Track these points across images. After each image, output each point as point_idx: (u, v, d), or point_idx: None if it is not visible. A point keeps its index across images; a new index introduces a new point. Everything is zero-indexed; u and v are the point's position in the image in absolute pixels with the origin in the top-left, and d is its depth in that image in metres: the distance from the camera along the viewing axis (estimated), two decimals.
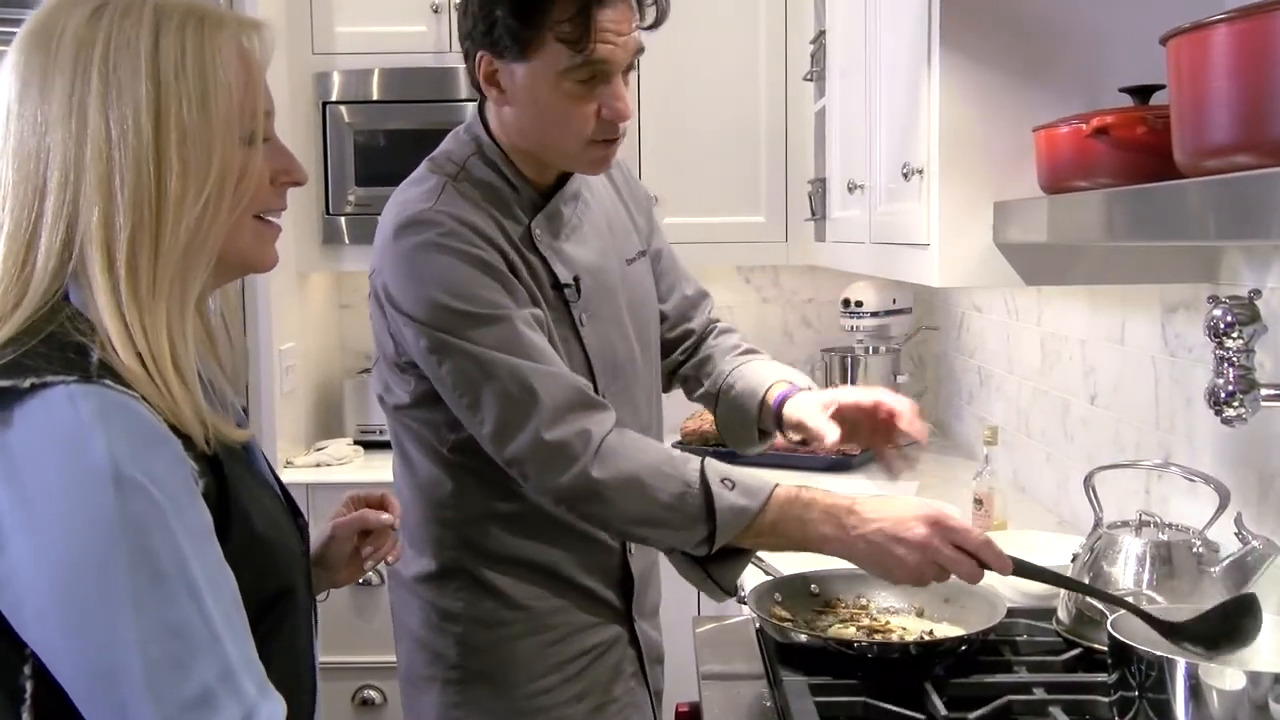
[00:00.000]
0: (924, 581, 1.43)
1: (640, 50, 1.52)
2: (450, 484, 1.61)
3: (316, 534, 1.29)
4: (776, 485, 1.45)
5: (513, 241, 1.54)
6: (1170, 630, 1.28)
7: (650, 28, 1.54)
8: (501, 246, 1.52)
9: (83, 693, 0.91)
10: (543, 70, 1.47)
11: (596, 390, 1.57)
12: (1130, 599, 1.47)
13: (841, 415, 1.65)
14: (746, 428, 1.76)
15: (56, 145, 0.96)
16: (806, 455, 2.86)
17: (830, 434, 1.61)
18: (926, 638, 1.57)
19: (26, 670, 0.93)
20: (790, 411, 1.68)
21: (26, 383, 0.91)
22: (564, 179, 1.62)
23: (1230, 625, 1.27)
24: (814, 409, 1.65)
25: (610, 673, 1.68)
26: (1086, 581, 1.56)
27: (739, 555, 1.49)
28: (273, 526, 1.07)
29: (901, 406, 1.65)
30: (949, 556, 1.40)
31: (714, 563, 1.48)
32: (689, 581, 1.52)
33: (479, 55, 1.51)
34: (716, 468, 1.46)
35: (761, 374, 1.77)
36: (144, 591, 0.89)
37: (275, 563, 1.06)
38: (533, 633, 1.63)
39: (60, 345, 0.94)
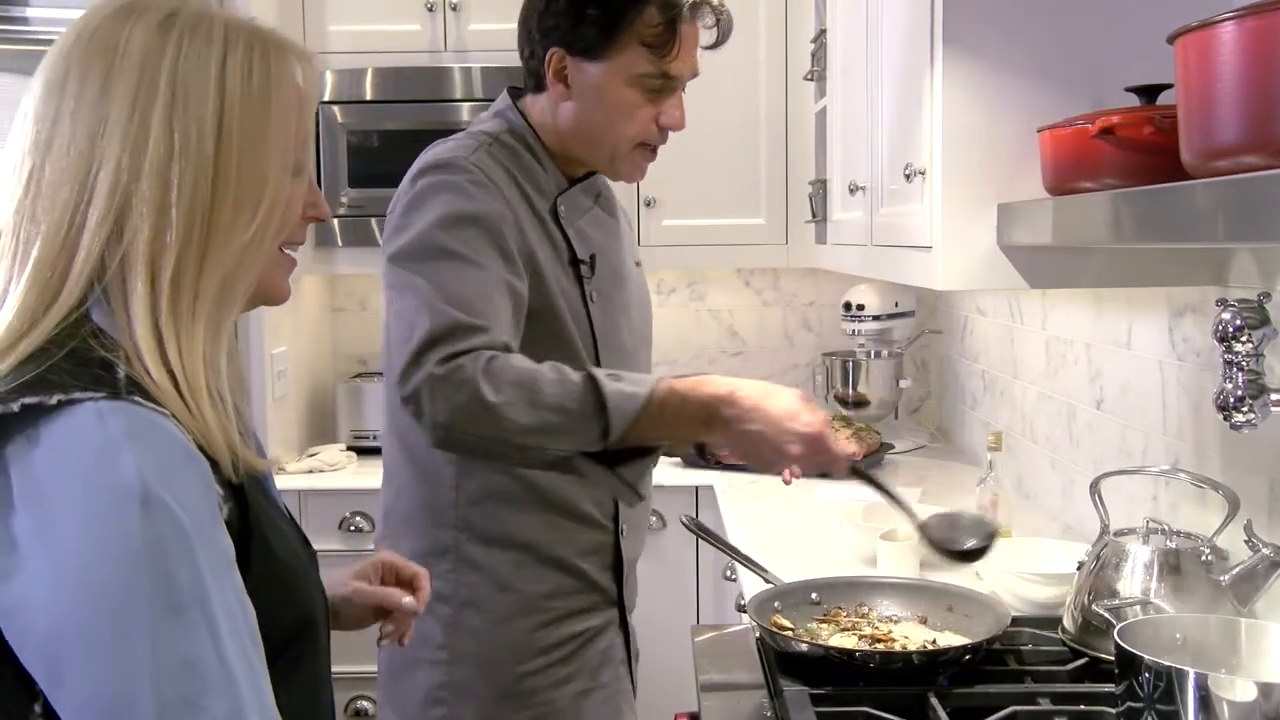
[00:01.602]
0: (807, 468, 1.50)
1: (697, 73, 1.68)
2: (452, 465, 1.64)
3: (334, 583, 1.24)
4: (662, 377, 1.48)
5: (537, 211, 1.62)
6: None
7: (710, 48, 1.70)
8: (520, 215, 1.58)
9: None
10: (618, 71, 1.61)
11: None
12: (1135, 609, 1.46)
13: None
14: None
15: (112, 151, 0.93)
16: None
17: None
18: (929, 646, 1.56)
19: (37, 709, 0.89)
20: None
21: (54, 399, 0.87)
22: (587, 175, 1.71)
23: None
24: None
25: (599, 658, 1.70)
26: (1091, 589, 1.54)
27: (645, 454, 1.49)
28: (293, 556, 1.04)
29: None
30: (811, 469, 1.48)
31: (620, 463, 1.48)
32: (606, 489, 1.54)
33: (551, 51, 1.62)
34: (600, 369, 1.49)
35: None
36: (162, 623, 0.85)
37: (296, 593, 1.04)
38: (523, 615, 1.65)
39: (85, 360, 0.91)
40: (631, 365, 1.72)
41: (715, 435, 1.47)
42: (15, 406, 0.87)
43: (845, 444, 1.48)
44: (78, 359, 0.91)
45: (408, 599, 1.29)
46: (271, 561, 0.98)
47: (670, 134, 1.68)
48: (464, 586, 1.64)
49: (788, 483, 1.60)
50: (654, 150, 1.69)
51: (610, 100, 1.62)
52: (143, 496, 0.85)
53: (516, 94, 1.72)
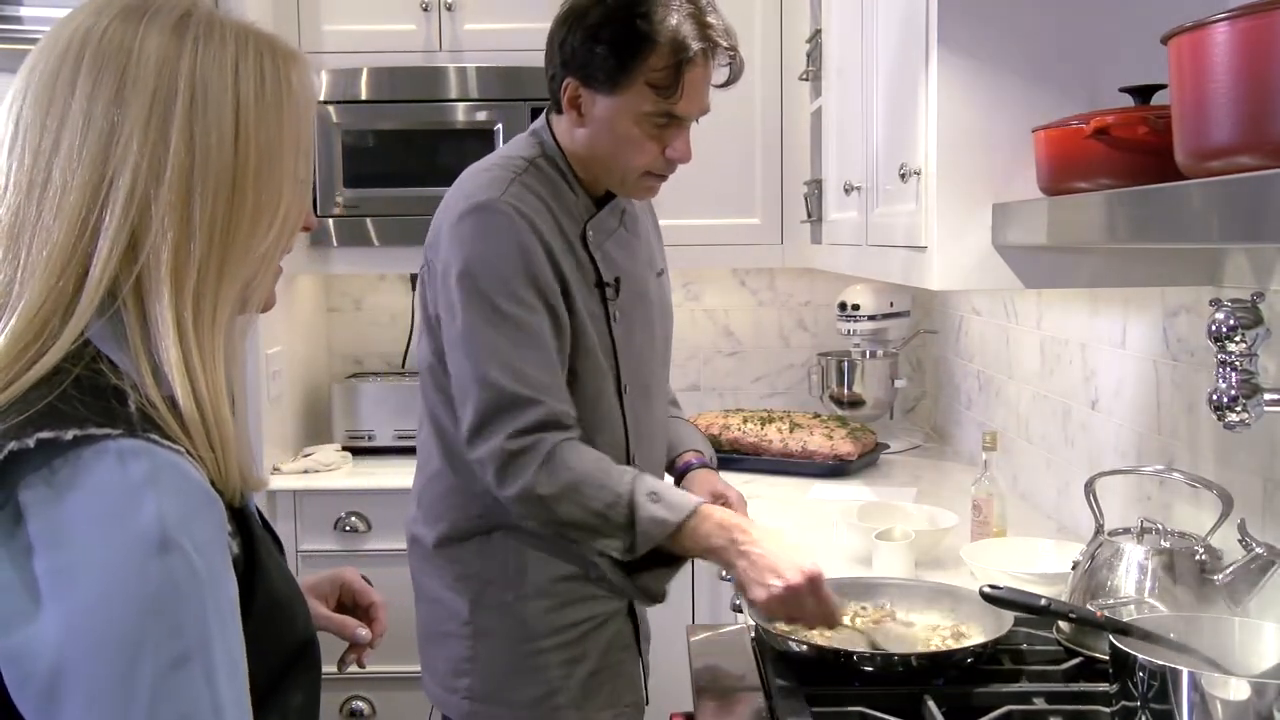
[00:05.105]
0: (773, 614, 1.58)
1: (707, 110, 1.75)
2: None
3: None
4: (701, 503, 1.63)
5: (568, 237, 1.72)
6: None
7: (720, 87, 1.77)
8: (553, 246, 1.68)
9: None
10: (626, 107, 1.68)
11: (620, 386, 1.77)
12: (1129, 608, 1.46)
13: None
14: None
15: (129, 158, 0.89)
16: (804, 461, 2.85)
17: None
18: (925, 648, 1.55)
19: None
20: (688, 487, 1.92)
21: (69, 435, 0.83)
22: (610, 194, 1.80)
23: None
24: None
25: (607, 643, 1.79)
26: (1086, 589, 1.54)
27: (669, 564, 1.68)
28: (286, 581, 1.02)
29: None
30: (809, 610, 1.57)
31: (641, 570, 1.67)
32: (618, 586, 1.70)
33: (567, 80, 1.70)
34: (646, 482, 1.63)
35: (678, 437, 1.99)
36: (164, 677, 0.83)
37: (295, 619, 1.02)
38: (539, 596, 1.76)
39: (95, 390, 0.87)
40: (649, 376, 1.85)
41: (716, 557, 1.62)
42: (30, 442, 0.83)
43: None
44: (88, 386, 0.87)
45: (362, 631, 1.26)
46: (272, 590, 0.97)
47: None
48: (488, 567, 1.77)
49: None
50: (663, 176, 1.77)
51: (618, 134, 1.70)
52: (161, 543, 0.83)
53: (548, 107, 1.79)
